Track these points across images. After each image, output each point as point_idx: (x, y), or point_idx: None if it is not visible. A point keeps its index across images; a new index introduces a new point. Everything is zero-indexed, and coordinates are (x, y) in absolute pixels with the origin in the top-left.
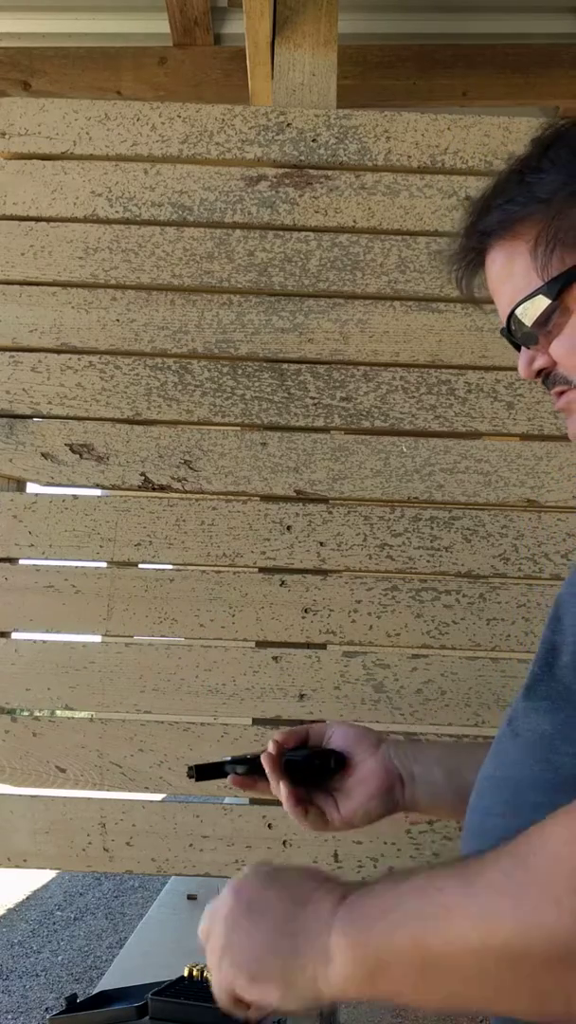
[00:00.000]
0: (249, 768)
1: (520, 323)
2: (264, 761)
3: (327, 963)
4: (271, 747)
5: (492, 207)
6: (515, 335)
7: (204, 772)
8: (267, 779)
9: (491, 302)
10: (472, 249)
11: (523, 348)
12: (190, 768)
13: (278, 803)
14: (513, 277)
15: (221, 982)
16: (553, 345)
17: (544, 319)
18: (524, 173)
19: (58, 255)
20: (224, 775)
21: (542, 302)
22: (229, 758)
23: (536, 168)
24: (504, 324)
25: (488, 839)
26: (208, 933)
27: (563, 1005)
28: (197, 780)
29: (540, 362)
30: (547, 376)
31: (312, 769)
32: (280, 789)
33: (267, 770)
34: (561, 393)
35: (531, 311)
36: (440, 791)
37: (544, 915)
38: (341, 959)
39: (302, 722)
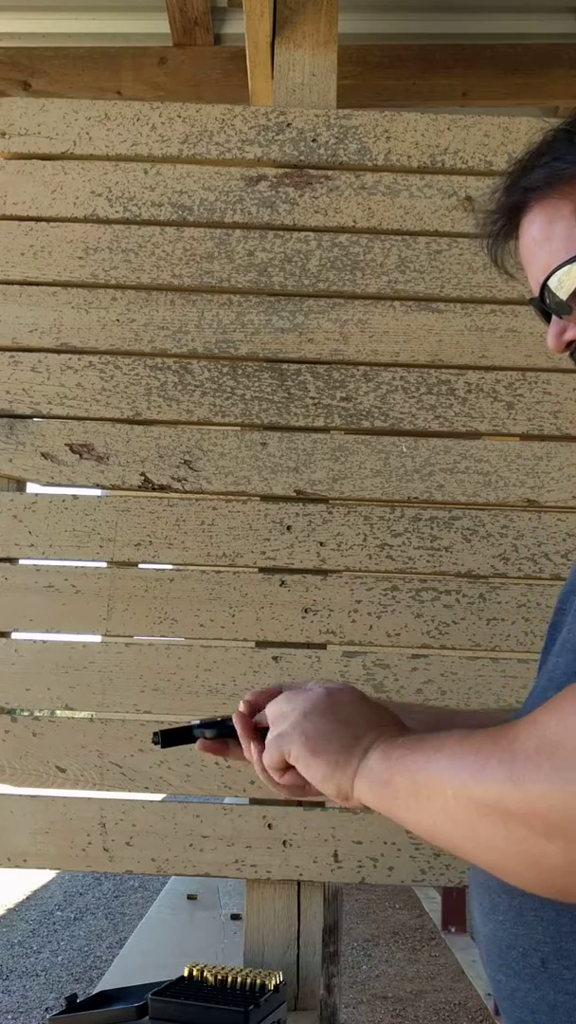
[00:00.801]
0: (218, 731)
1: (553, 291)
2: (236, 721)
3: (364, 767)
4: (242, 706)
5: (538, 164)
6: (547, 303)
7: (170, 738)
8: (238, 742)
9: (492, 302)
10: (511, 207)
11: (553, 318)
12: (155, 734)
13: (278, 803)
14: (552, 240)
15: (280, 745)
16: None
17: None
18: (574, 132)
19: (58, 255)
20: (192, 740)
21: None
22: (197, 721)
23: None
24: (536, 291)
25: None
26: (286, 709)
27: (561, 876)
28: (163, 747)
29: (572, 333)
30: None
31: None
32: (252, 752)
33: (239, 732)
34: None
35: (569, 279)
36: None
37: (535, 781)
38: (370, 770)
39: None
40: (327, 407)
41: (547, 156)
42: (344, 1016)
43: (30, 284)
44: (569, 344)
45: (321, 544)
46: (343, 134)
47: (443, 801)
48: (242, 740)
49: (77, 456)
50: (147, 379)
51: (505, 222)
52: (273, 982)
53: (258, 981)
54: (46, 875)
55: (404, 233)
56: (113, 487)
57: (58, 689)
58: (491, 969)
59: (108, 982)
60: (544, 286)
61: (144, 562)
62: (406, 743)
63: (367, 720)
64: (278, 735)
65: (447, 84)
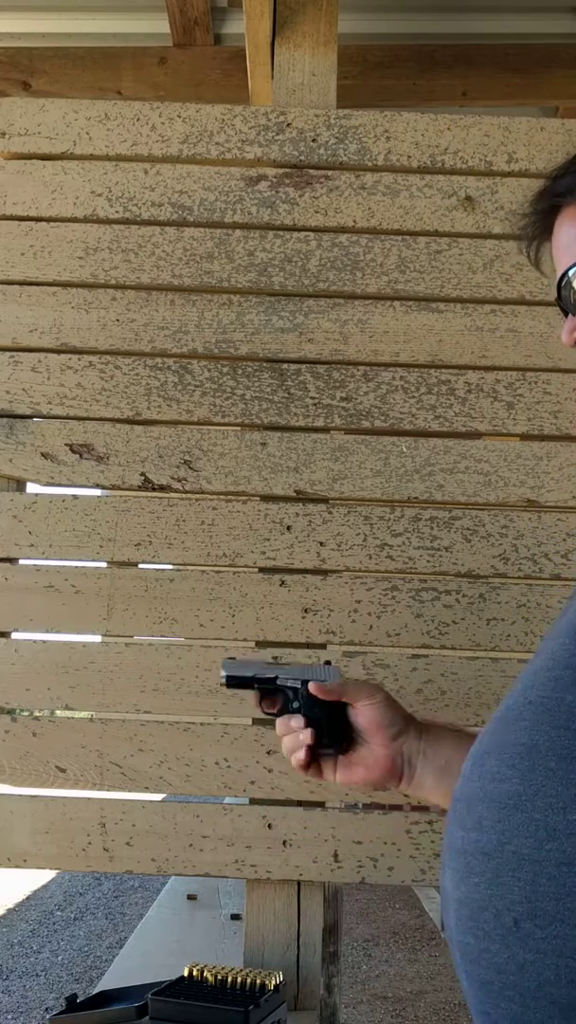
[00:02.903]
0: (281, 705)
1: (572, 287)
2: (319, 688)
3: None
4: (315, 688)
5: (570, 171)
6: (564, 300)
7: (236, 681)
8: (286, 713)
9: (492, 302)
10: (544, 212)
11: (570, 315)
12: (228, 664)
13: (278, 803)
14: (574, 244)
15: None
16: None
17: None
18: None
19: (58, 255)
20: (252, 688)
21: None
22: (274, 675)
23: None
24: (555, 289)
25: (495, 805)
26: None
27: None
28: (228, 687)
29: None
30: None
31: (334, 736)
32: (303, 737)
33: (320, 694)
34: None
35: None
36: (438, 794)
37: None
38: None
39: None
40: (327, 407)
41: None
42: (344, 1016)
43: (30, 284)
44: None
45: (321, 544)
46: (343, 134)
47: None
48: (299, 730)
49: (77, 456)
50: (147, 379)
51: (539, 226)
52: (273, 982)
53: (258, 981)
54: (46, 875)
55: (404, 233)
56: (113, 487)
57: (58, 689)
58: (460, 933)
59: (108, 982)
60: (561, 282)
61: (144, 562)
62: None
63: None
64: None
65: (447, 84)
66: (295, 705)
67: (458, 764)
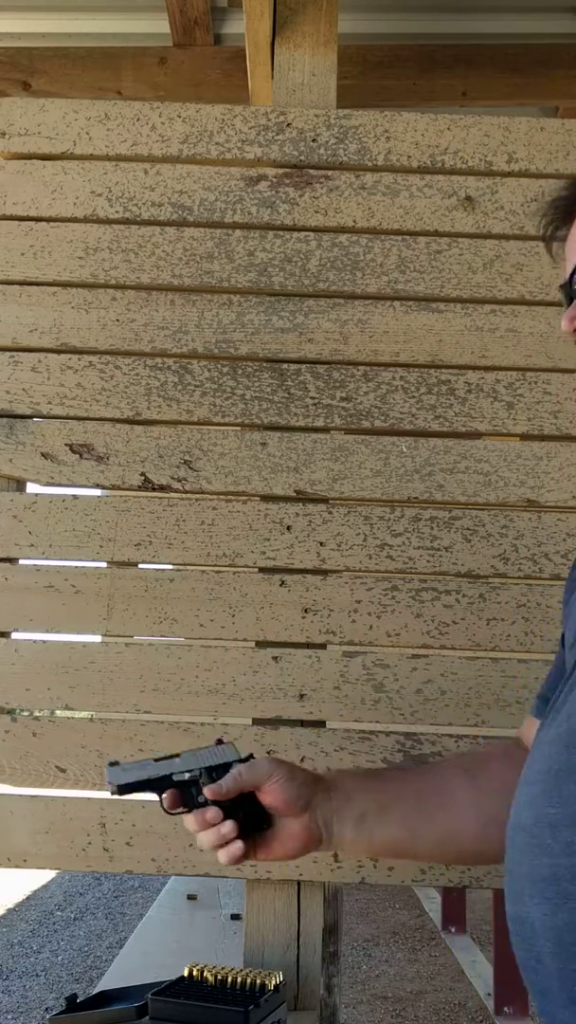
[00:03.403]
0: (186, 800)
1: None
2: (213, 793)
3: None
4: (210, 792)
5: None
6: (572, 288)
7: (128, 788)
8: (196, 807)
9: (492, 302)
10: (564, 206)
11: (574, 301)
12: (113, 772)
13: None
14: None
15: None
16: None
17: None
18: None
19: (58, 255)
20: (147, 791)
21: None
22: (167, 771)
23: None
24: (567, 277)
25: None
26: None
27: None
28: (120, 794)
29: None
30: None
31: (251, 822)
32: (226, 830)
33: (216, 797)
34: None
35: None
36: (361, 846)
37: None
38: None
39: (303, 723)
40: (327, 407)
41: None
42: (344, 1016)
43: (30, 284)
44: None
45: (321, 544)
46: (343, 134)
47: None
48: (219, 822)
49: (77, 456)
50: (147, 379)
51: (560, 212)
52: (273, 982)
53: (258, 981)
54: (46, 875)
55: (404, 233)
56: (113, 487)
57: (58, 689)
58: (563, 960)
59: (108, 982)
60: (572, 275)
61: (144, 562)
62: None
63: None
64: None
65: (447, 84)
66: (201, 799)
67: (373, 813)
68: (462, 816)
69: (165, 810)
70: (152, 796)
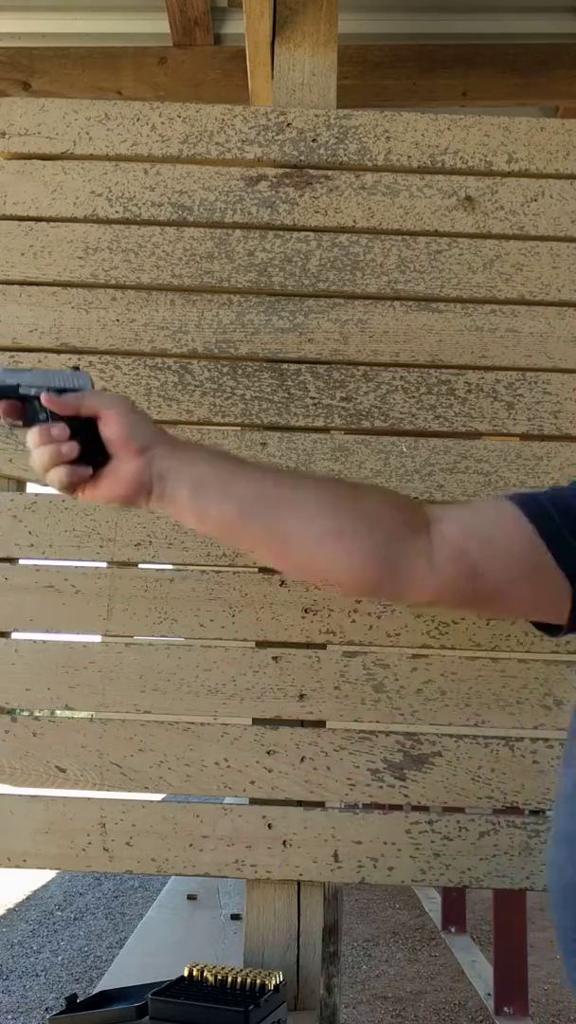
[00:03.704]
0: (28, 416)
1: None
2: (50, 400)
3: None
4: (47, 400)
5: None
6: None
7: None
8: (37, 424)
9: (492, 302)
10: None
11: None
12: None
13: (278, 803)
14: None
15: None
16: None
17: None
18: None
19: (58, 255)
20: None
21: None
22: (15, 382)
23: None
24: None
25: None
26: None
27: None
28: None
29: None
30: None
31: (90, 451)
32: (66, 450)
33: (53, 406)
34: None
35: None
36: (191, 515)
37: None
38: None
39: (303, 723)
40: (327, 407)
41: None
42: (344, 1016)
43: (30, 284)
44: None
45: None
46: (343, 134)
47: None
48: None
49: None
50: (147, 379)
51: None
52: (273, 982)
53: (258, 981)
54: (46, 875)
55: (404, 233)
56: None
57: (58, 689)
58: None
59: (108, 982)
60: None
61: (144, 562)
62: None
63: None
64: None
65: (447, 84)
66: (42, 416)
67: (214, 480)
68: (305, 516)
69: (7, 423)
70: (152, 796)
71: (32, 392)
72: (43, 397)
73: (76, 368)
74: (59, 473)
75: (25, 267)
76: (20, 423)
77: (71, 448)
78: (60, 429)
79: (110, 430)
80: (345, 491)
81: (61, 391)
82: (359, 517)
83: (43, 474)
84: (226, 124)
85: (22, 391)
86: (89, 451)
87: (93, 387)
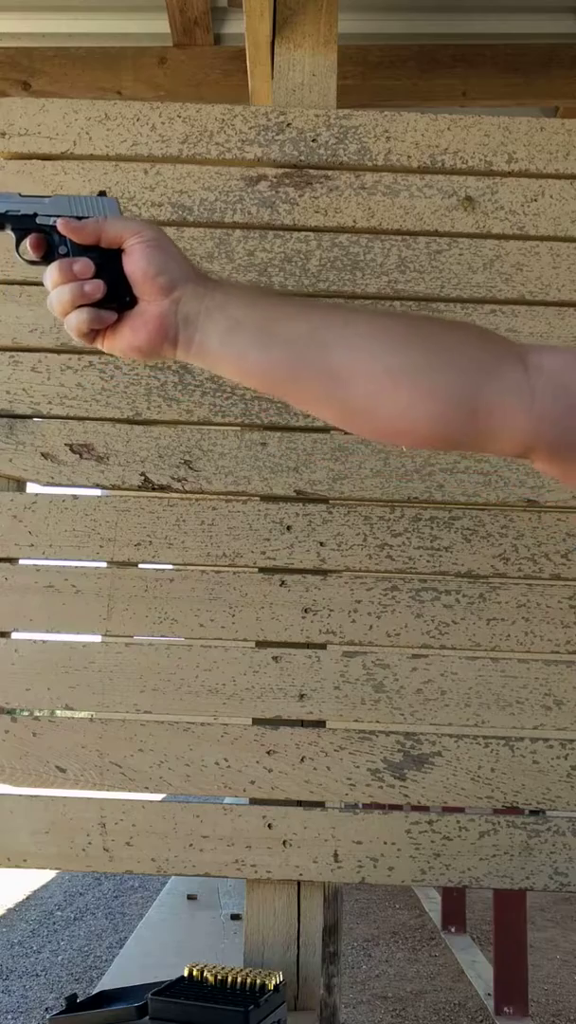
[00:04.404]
0: (46, 250)
1: None
2: (67, 226)
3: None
4: (64, 226)
5: None
6: None
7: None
8: (56, 259)
9: (492, 302)
10: None
11: None
12: None
13: (278, 803)
14: None
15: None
16: None
17: None
18: None
19: None
20: (3, 228)
21: None
22: (32, 211)
23: None
24: None
25: None
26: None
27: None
28: None
29: None
30: None
31: (117, 289)
32: (90, 288)
33: (71, 233)
34: None
35: None
36: (227, 364)
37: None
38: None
39: (303, 723)
40: None
41: None
42: (344, 1016)
43: (30, 284)
44: None
45: (321, 544)
46: (343, 134)
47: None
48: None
49: (77, 456)
50: (147, 379)
51: None
52: (273, 982)
53: (258, 981)
54: (46, 875)
55: (404, 233)
56: (113, 487)
57: (58, 689)
58: None
59: (108, 982)
60: None
61: (144, 562)
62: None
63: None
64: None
65: (447, 84)
66: (62, 251)
67: (252, 323)
68: (368, 352)
69: (24, 259)
70: (152, 796)
71: (51, 222)
72: (60, 224)
73: (103, 193)
74: (80, 316)
75: (25, 267)
76: (38, 259)
77: (95, 287)
78: (83, 264)
79: (133, 263)
80: (415, 322)
81: (82, 219)
82: (434, 349)
83: (61, 317)
84: (226, 124)
85: (39, 220)
86: (114, 291)
87: (120, 213)
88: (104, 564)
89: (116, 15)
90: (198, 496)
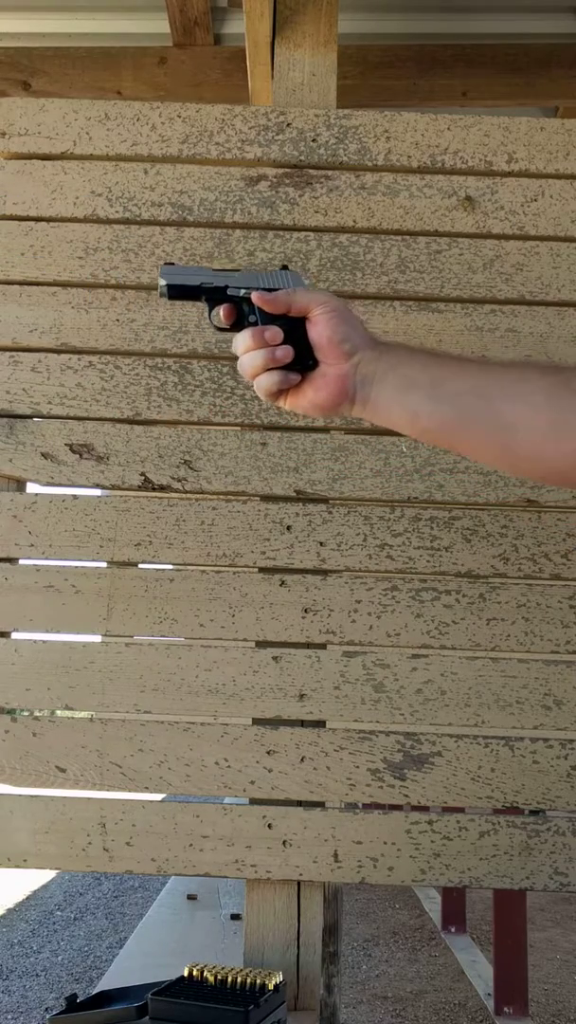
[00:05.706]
0: (236, 319)
1: None
2: (261, 299)
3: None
4: (258, 298)
5: None
6: None
7: (180, 291)
8: (246, 327)
9: (492, 302)
10: None
11: None
12: (168, 271)
13: (278, 803)
14: None
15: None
16: None
17: None
18: None
19: (58, 255)
20: (199, 299)
21: None
22: (223, 283)
23: None
24: None
25: None
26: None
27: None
28: (170, 298)
29: None
30: None
31: (302, 354)
32: (280, 354)
33: (264, 305)
34: None
35: None
36: (403, 418)
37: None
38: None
39: (303, 723)
40: None
41: None
42: (344, 1016)
43: (30, 284)
44: None
45: (321, 544)
46: (343, 134)
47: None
48: (268, 324)
49: (77, 456)
50: (147, 379)
51: None
52: (273, 982)
53: (258, 981)
54: (46, 875)
55: (404, 233)
56: (113, 487)
57: (58, 689)
58: None
59: (108, 982)
60: None
61: (144, 562)
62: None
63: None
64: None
65: (447, 84)
66: (251, 319)
67: (423, 385)
68: (531, 405)
69: (216, 326)
70: (152, 796)
71: (241, 293)
72: (254, 296)
73: (285, 267)
74: (271, 379)
75: (25, 267)
76: (228, 326)
77: (285, 352)
78: (274, 332)
79: (318, 332)
80: (555, 371)
81: (271, 291)
82: (563, 387)
83: (251, 379)
84: (226, 124)
85: (230, 292)
86: (299, 355)
87: (303, 284)
88: (104, 564)
89: (116, 15)
90: (198, 496)
